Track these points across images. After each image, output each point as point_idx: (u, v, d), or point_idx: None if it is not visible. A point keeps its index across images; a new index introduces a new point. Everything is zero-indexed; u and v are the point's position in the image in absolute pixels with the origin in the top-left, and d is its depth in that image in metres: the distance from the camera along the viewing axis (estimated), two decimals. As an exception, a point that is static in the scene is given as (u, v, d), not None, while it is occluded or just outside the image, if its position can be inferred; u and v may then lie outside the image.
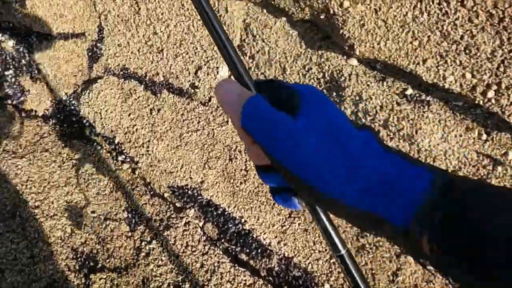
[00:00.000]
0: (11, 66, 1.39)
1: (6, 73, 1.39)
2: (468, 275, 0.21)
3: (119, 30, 1.22)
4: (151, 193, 1.11)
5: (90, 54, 1.28)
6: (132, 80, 1.20)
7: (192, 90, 1.12)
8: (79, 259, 1.08)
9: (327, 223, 0.33)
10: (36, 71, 1.36)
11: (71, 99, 1.28)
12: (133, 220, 1.08)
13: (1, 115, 1.35)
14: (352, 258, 0.34)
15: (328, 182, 0.25)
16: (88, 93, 1.24)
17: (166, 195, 1.09)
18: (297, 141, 0.26)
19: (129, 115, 1.17)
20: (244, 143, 0.31)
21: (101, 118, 1.20)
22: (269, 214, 0.96)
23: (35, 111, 1.32)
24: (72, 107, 1.28)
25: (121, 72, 1.21)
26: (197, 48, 1.10)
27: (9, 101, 1.37)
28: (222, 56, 0.32)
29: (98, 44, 1.26)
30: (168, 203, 1.08)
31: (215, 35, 0.31)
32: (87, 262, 1.08)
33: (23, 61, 1.38)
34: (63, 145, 1.20)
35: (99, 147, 1.21)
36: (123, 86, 1.21)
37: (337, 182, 0.25)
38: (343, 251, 0.33)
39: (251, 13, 1.02)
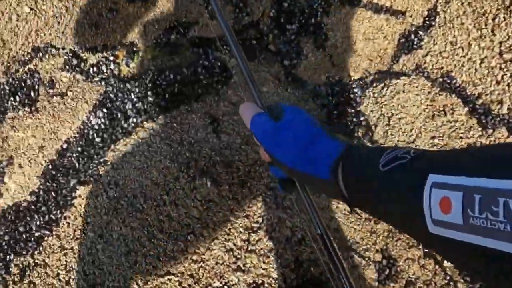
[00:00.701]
0: (296, 21, 1.50)
1: (288, 26, 1.51)
2: (362, 201, 0.48)
3: (461, 24, 1.14)
4: (425, 251, 1.00)
5: (402, 40, 1.25)
6: (453, 95, 1.10)
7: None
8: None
9: (307, 205, 0.62)
10: (323, 37, 1.42)
11: (354, 86, 1.29)
12: (387, 270, 0.99)
13: (265, 70, 1.47)
14: (329, 238, 0.61)
15: (287, 158, 0.55)
16: (382, 87, 1.21)
17: (446, 264, 0.96)
18: (274, 135, 0.58)
19: (433, 137, 1.07)
20: (257, 144, 0.64)
21: (387, 125, 1.16)
22: None
23: (305, 81, 1.38)
24: (351, 95, 1.28)
25: (441, 79, 1.13)
26: None
27: (278, 58, 1.47)
28: (248, 88, 0.66)
29: (420, 32, 1.21)
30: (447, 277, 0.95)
31: (245, 71, 0.65)
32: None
33: (312, 20, 1.47)
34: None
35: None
36: (435, 97, 1.12)
37: (291, 158, 0.55)
38: (320, 231, 0.62)
39: None
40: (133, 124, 1.54)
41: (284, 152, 0.56)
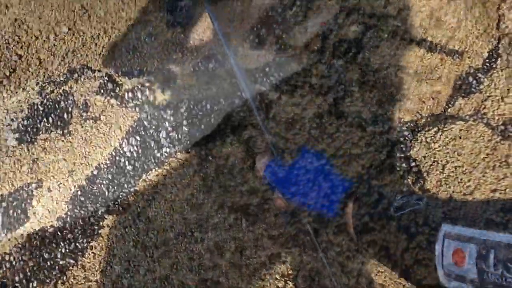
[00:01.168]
0: (342, 55, 1.53)
1: (333, 60, 1.54)
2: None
3: (526, 70, 1.13)
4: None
5: (458, 83, 1.25)
6: (518, 146, 1.08)
7: None
8: None
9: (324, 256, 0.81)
10: (372, 74, 1.43)
11: (404, 129, 1.28)
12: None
13: (305, 103, 1.48)
14: None
15: (297, 197, 0.68)
16: (435, 132, 1.20)
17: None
18: (284, 177, 0.72)
19: (493, 191, 1.05)
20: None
21: (441, 173, 1.14)
22: None
23: (349, 118, 1.39)
24: (400, 138, 1.27)
25: (502, 127, 1.13)
26: None
27: (321, 92, 1.50)
28: (265, 139, 1.00)
29: (479, 75, 1.21)
30: None
31: (265, 129, 0.98)
32: None
33: (360, 56, 1.49)
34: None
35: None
36: (496, 146, 1.11)
37: (301, 198, 0.68)
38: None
39: None
40: (166, 154, 1.57)
41: (294, 191, 0.65)
